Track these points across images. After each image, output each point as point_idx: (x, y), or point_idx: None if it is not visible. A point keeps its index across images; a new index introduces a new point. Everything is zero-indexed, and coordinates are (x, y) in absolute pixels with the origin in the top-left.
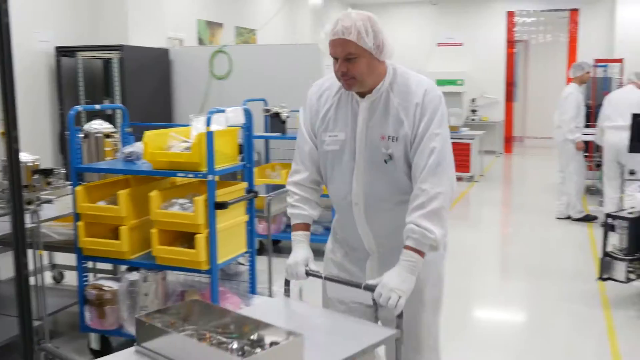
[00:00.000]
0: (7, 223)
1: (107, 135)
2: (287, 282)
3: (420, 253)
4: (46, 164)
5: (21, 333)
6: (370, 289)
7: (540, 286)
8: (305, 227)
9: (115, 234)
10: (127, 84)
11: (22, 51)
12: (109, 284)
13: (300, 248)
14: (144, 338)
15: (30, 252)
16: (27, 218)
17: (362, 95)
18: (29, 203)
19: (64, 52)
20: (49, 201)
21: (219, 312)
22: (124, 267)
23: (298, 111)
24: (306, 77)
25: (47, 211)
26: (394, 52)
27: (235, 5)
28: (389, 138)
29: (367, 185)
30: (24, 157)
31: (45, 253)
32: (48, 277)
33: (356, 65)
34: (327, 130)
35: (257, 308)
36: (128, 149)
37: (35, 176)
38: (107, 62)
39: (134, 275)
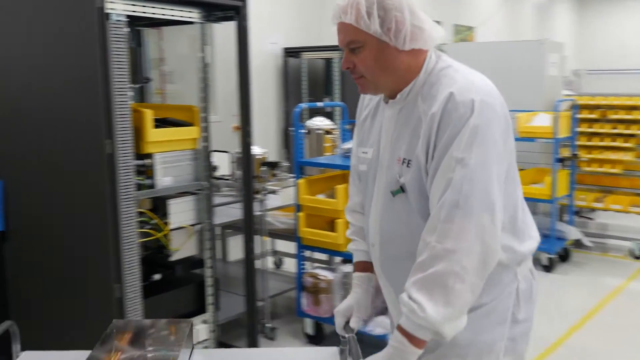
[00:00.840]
0: (238, 210)
1: (327, 132)
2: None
3: (411, 338)
4: (272, 157)
5: (247, 311)
6: None
7: None
8: (364, 266)
9: (331, 226)
10: (346, 83)
11: (256, 53)
12: (324, 274)
13: (352, 294)
14: None
15: (256, 237)
16: (255, 206)
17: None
18: (257, 193)
19: (290, 53)
20: (273, 192)
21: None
22: (338, 259)
23: (520, 111)
24: (528, 75)
25: (271, 201)
26: (431, 37)
27: (454, 3)
28: (404, 162)
29: (383, 223)
30: (255, 150)
31: (268, 239)
32: (269, 263)
33: (361, 57)
34: (361, 144)
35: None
36: (347, 145)
37: (263, 168)
38: (328, 61)
39: (348, 268)
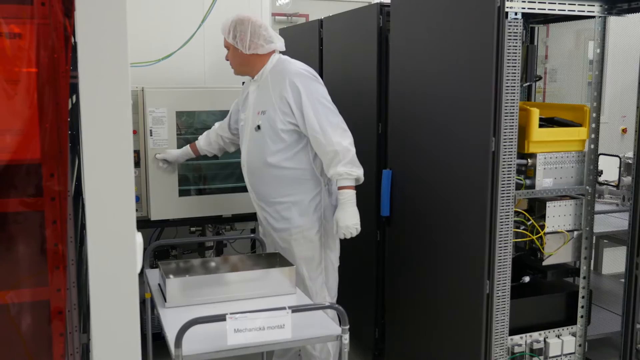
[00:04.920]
0: (620, 219)
1: None
2: None
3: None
4: None
5: (623, 332)
6: None
7: None
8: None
9: None
10: None
11: None
12: None
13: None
14: None
15: None
16: None
17: None
18: None
19: None
20: None
21: None
22: None
23: None
24: None
25: None
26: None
27: None
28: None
29: (249, 153)
30: None
31: None
32: None
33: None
34: (241, 108)
35: None
36: None
37: None
38: None
39: None
